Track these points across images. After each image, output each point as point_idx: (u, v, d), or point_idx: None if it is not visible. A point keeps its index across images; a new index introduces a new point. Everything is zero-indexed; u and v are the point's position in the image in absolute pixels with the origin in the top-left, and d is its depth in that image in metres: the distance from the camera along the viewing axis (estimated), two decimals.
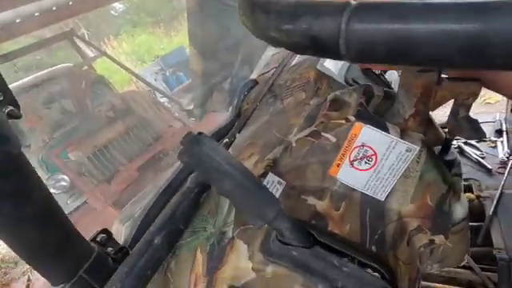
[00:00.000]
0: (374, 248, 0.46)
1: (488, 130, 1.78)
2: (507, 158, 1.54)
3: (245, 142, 0.73)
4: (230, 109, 0.94)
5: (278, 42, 0.29)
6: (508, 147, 1.58)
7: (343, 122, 0.51)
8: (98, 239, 0.49)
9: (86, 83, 3.73)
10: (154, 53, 9.01)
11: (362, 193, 0.49)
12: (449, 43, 0.19)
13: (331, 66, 0.77)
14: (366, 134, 0.48)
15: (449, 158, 0.55)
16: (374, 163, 0.49)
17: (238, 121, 0.80)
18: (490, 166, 1.51)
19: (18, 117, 0.32)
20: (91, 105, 3.46)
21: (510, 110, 1.30)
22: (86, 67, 4.45)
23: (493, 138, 1.72)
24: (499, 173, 1.50)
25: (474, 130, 0.46)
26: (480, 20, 0.18)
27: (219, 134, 0.82)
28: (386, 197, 0.49)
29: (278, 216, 0.41)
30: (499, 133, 1.71)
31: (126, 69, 4.76)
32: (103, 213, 2.72)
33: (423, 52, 0.20)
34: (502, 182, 1.36)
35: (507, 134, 1.66)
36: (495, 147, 1.66)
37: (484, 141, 1.75)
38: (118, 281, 0.41)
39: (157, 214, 0.57)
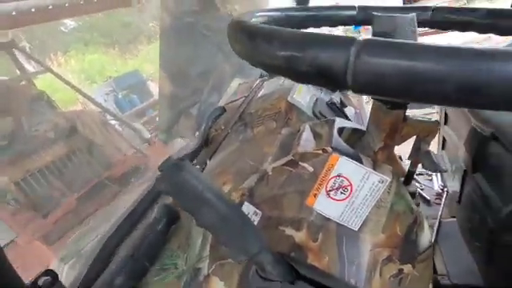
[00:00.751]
0: (352, 281, 0.45)
1: None
2: (441, 190, 1.74)
3: (215, 170, 0.70)
4: (197, 134, 0.91)
5: (278, 69, 0.29)
6: (442, 180, 1.79)
7: (320, 152, 0.52)
8: (40, 283, 0.40)
9: (23, 99, 3.34)
10: (106, 74, 8.56)
11: (338, 223, 0.50)
12: (449, 83, 0.21)
13: (300, 98, 0.81)
14: (342, 165, 0.50)
15: (410, 189, 0.59)
16: (349, 194, 0.50)
17: (209, 147, 0.77)
18: (428, 197, 1.68)
19: None
20: (27, 123, 3.07)
21: (441, 146, 1.50)
22: (24, 82, 4.03)
23: (429, 172, 1.95)
24: (436, 203, 1.67)
25: (434, 163, 0.51)
26: (475, 63, 0.21)
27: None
28: (360, 227, 0.50)
29: (261, 250, 0.39)
30: None
31: (73, 86, 4.43)
32: (30, 249, 2.31)
33: (426, 89, 0.22)
34: (440, 212, 1.51)
35: None
36: (431, 180, 1.88)
37: (421, 174, 1.97)
38: None
39: (114, 250, 0.50)
